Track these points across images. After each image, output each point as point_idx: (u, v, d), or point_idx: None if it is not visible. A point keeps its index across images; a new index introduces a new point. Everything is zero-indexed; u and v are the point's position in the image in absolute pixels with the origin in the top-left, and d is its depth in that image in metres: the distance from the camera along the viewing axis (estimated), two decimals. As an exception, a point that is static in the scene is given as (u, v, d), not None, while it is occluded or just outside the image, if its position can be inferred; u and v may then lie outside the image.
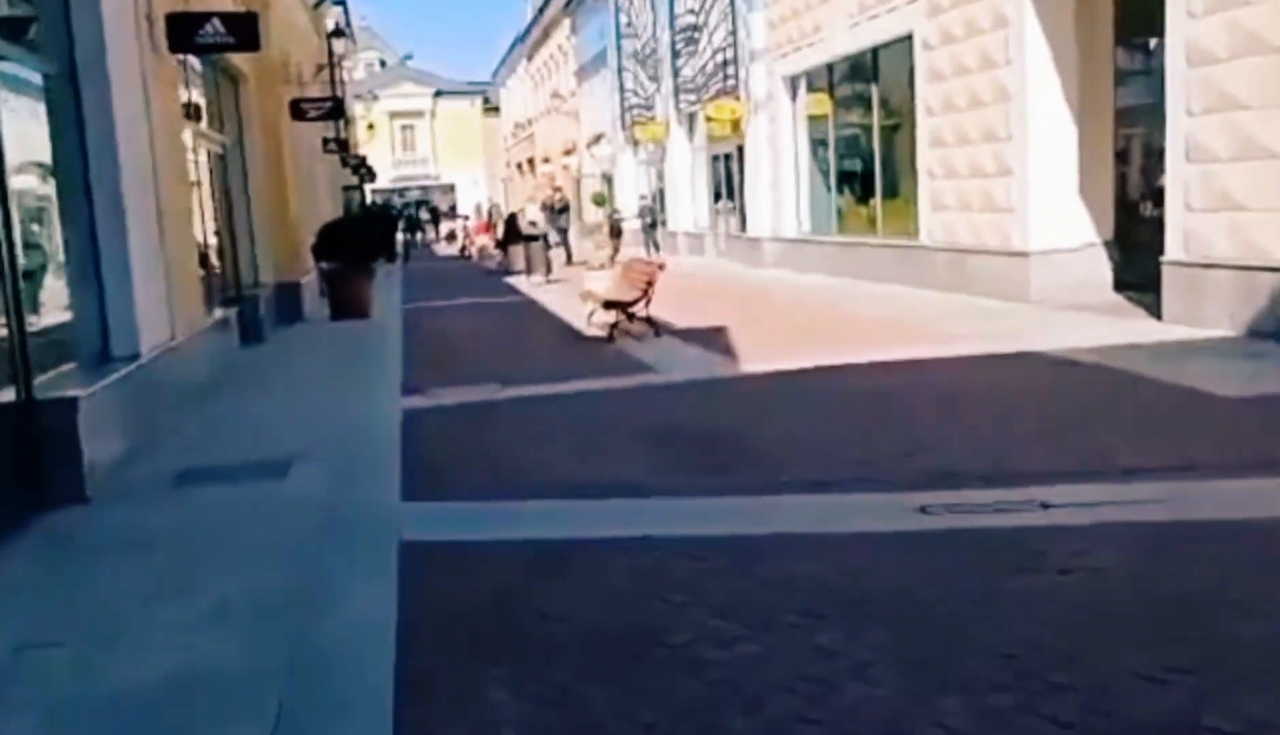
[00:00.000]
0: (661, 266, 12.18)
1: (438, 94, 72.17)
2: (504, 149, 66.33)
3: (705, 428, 7.42)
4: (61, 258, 7.59)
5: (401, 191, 68.71)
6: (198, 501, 6.14)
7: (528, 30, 52.52)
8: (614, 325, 12.41)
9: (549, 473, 6.48)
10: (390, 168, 69.10)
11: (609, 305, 12.48)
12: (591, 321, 13.21)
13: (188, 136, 11.76)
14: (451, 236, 40.89)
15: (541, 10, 47.16)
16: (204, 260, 12.12)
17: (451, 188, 70.37)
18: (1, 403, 5.92)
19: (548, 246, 22.10)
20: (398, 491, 6.15)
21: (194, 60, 12.55)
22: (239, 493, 6.30)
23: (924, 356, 9.59)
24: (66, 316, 7.62)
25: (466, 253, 35.70)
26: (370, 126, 59.47)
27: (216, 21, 9.26)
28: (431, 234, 51.37)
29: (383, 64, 77.28)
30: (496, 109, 68.98)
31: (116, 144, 7.60)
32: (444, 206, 66.81)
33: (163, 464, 6.97)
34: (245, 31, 9.37)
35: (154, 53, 9.17)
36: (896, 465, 6.14)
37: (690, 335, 12.19)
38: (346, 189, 35.57)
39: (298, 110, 16.68)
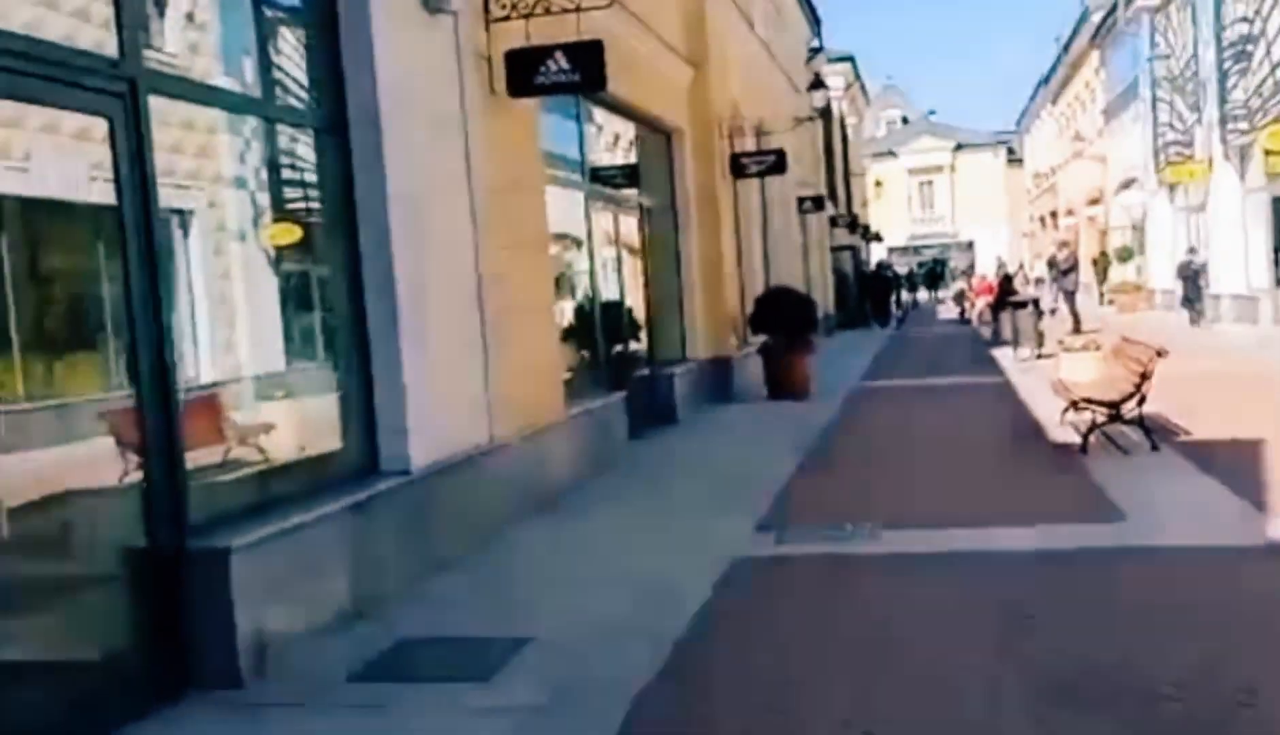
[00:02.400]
0: (1161, 353, 8.68)
1: (957, 147, 69.09)
2: (1027, 202, 61.45)
3: (1167, 678, 4.23)
4: (323, 347, 6.34)
5: (917, 249, 66.53)
6: (340, 720, 4.31)
7: (1051, 70, 47.90)
8: (1090, 429, 9.09)
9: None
10: (907, 225, 67.21)
11: (1083, 404, 9.20)
12: (1065, 419, 9.95)
13: (574, 197, 10.48)
14: (959, 297, 37.83)
15: (1067, 46, 42.55)
16: (593, 337, 10.73)
17: (970, 245, 66.68)
18: (150, 551, 4.55)
19: (1039, 315, 18.46)
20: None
21: (599, 112, 11.35)
22: (405, 707, 4.37)
23: None
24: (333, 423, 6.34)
25: (965, 316, 32.40)
26: (878, 183, 57.94)
27: (560, 57, 7.69)
28: (929, 294, 48.65)
29: (904, 121, 75.79)
30: (1021, 160, 64.35)
31: (386, 208, 6.18)
32: (961, 265, 63.64)
33: (376, 632, 5.25)
34: (590, 67, 7.71)
35: (491, 97, 7.81)
36: None
37: (1203, 452, 8.51)
38: (836, 250, 33.95)
39: (737, 166, 15.09)
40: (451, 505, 6.63)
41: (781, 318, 14.39)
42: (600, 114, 11.54)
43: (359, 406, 6.18)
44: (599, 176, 11.54)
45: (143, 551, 4.50)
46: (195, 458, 4.82)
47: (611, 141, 12.24)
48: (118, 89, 4.48)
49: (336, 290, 6.21)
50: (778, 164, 15.41)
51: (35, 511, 4.31)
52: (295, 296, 6.32)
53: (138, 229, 4.53)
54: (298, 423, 6.10)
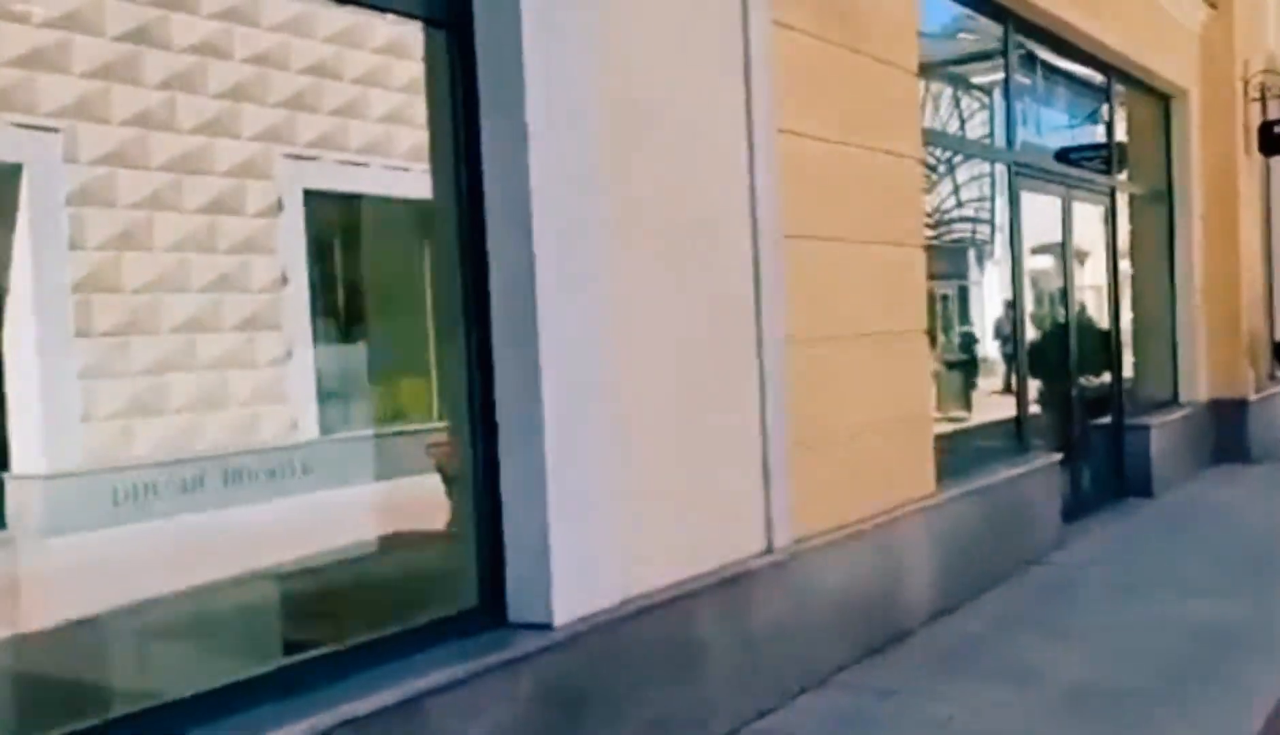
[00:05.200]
0: None
1: None
2: None
3: None
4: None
5: None
6: None
7: None
8: None
9: None
10: None
11: None
12: None
13: (989, 172, 6.90)
14: None
15: None
16: (1012, 369, 7.07)
17: None
18: None
19: None
20: None
21: (1042, 54, 7.58)
22: None
23: None
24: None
25: None
26: None
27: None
28: None
29: None
30: None
31: (526, 155, 3.28)
32: None
33: None
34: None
35: None
36: None
37: None
38: None
39: (1271, 138, 10.21)
40: (660, 678, 3.60)
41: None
42: (1044, 59, 7.77)
43: (470, 501, 3.39)
44: (1040, 148, 7.79)
45: None
46: None
47: (1065, 100, 8.36)
48: None
49: (441, 305, 3.49)
50: (1336, 132, 10.29)
51: None
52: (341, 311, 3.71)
53: None
54: (341, 529, 3.47)
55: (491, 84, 3.27)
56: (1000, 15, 6.74)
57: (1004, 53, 6.83)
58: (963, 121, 7.52)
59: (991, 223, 7.93)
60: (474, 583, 3.33)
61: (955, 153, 6.80)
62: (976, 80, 7.51)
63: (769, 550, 4.24)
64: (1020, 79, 7.24)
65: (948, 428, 5.97)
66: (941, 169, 7.05)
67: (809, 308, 4.51)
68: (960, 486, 5.66)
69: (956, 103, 7.58)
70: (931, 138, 6.03)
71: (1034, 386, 7.05)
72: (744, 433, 4.16)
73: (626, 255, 3.58)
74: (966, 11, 6.71)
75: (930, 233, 7.09)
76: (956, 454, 5.90)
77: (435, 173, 3.40)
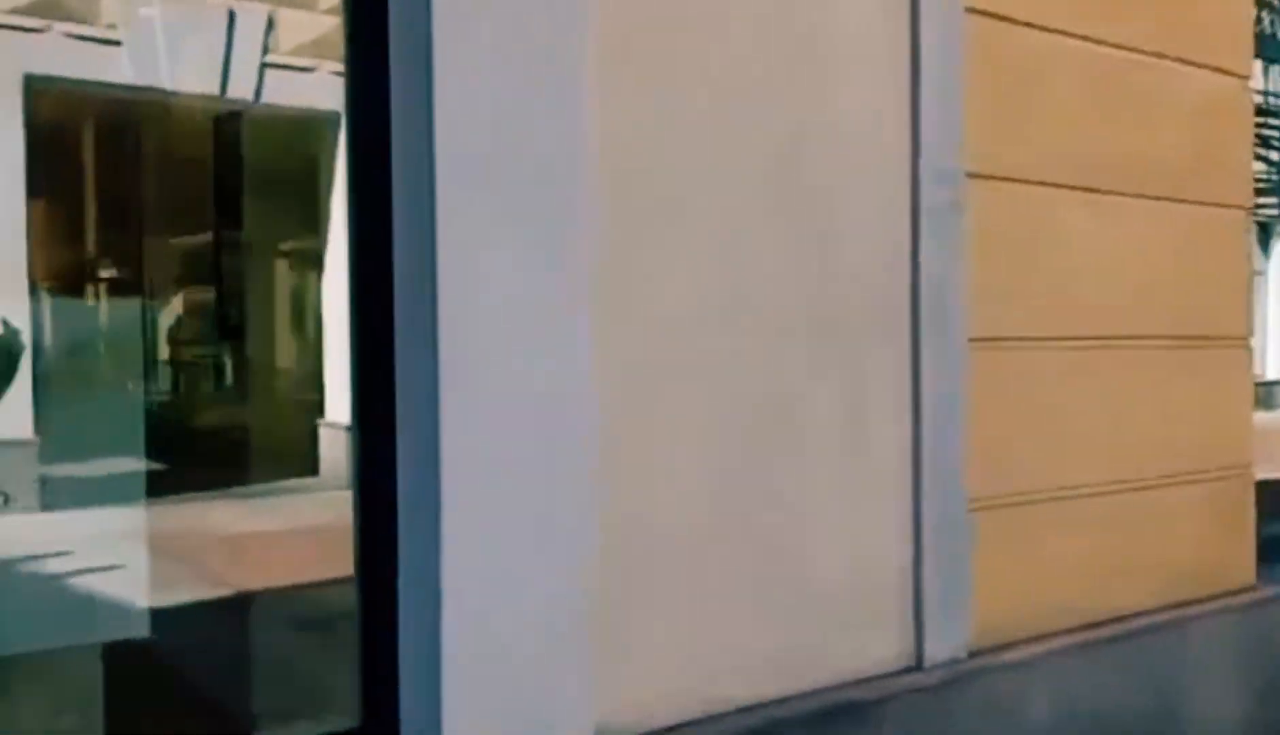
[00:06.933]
0: None
1: None
2: None
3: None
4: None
5: None
6: None
7: None
8: None
9: None
10: None
11: None
12: None
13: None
14: None
15: None
16: None
17: None
18: None
19: None
20: None
21: None
22: None
23: None
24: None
25: None
26: None
27: None
28: None
29: None
30: None
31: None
32: None
33: None
34: None
35: None
36: None
37: None
38: None
39: None
40: None
41: None
42: None
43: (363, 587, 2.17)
44: None
45: None
46: None
47: None
48: None
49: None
50: None
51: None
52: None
53: None
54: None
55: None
56: None
57: None
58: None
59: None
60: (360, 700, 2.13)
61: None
62: None
63: (917, 666, 2.67)
64: None
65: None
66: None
67: (1018, 292, 2.85)
68: None
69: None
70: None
71: None
72: (874, 483, 2.62)
73: (655, 208, 2.20)
74: None
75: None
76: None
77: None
